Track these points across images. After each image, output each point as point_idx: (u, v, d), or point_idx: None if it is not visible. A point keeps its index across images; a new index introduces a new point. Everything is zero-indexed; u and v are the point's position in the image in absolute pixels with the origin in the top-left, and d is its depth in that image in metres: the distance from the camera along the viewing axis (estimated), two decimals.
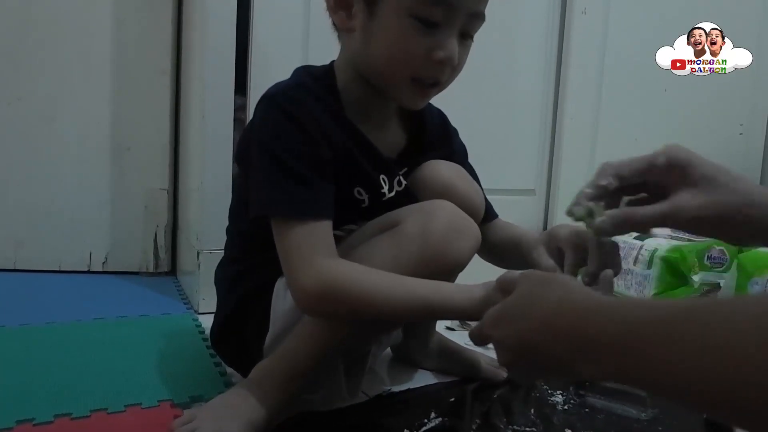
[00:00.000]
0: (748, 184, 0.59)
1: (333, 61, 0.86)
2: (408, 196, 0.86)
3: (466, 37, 0.79)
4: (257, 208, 0.76)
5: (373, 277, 0.71)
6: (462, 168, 0.92)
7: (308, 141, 0.75)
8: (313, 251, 0.72)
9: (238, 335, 0.87)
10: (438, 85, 0.80)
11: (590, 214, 0.63)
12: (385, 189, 0.84)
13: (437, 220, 0.75)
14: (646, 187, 0.64)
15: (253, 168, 0.77)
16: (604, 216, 0.62)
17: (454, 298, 0.69)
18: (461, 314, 0.70)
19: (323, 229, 0.74)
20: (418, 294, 0.70)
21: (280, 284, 0.83)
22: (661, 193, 0.62)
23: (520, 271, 0.61)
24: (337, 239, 0.76)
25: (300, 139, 0.75)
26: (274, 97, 0.79)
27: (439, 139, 0.94)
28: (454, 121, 0.99)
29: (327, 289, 0.70)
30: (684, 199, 0.59)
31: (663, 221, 0.60)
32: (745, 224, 0.58)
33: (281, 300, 0.82)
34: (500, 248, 0.94)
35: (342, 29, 0.82)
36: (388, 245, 0.76)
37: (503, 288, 0.62)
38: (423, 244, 0.74)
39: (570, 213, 0.65)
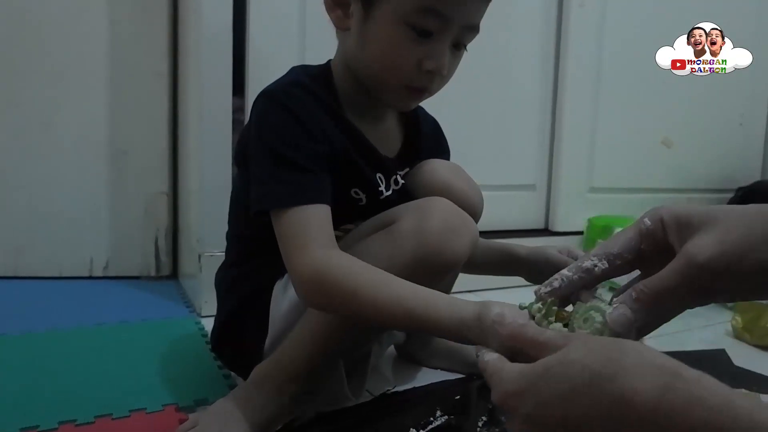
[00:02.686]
0: (747, 207, 0.48)
1: (330, 60, 0.86)
2: (406, 195, 0.85)
3: (459, 47, 0.79)
4: (257, 203, 0.76)
5: (367, 274, 0.68)
6: (460, 167, 0.91)
7: (305, 134, 0.75)
8: (309, 239, 0.71)
9: (237, 338, 0.87)
10: (427, 92, 0.81)
11: (546, 315, 0.51)
12: (383, 188, 0.84)
13: (432, 217, 0.74)
14: (638, 266, 0.54)
15: (251, 164, 0.77)
16: (613, 306, 0.49)
17: (440, 315, 0.61)
18: (444, 334, 0.62)
19: (320, 215, 0.73)
20: (404, 302, 0.64)
21: (279, 286, 0.83)
22: (659, 264, 0.50)
23: (559, 332, 0.46)
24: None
25: (296, 132, 0.75)
26: (270, 93, 0.79)
27: (432, 147, 0.94)
28: (452, 117, 0.99)
29: (319, 279, 0.69)
30: (692, 246, 0.47)
31: (682, 282, 0.47)
32: None
33: (280, 302, 0.82)
34: (486, 262, 0.96)
35: (338, 27, 0.82)
36: (382, 243, 0.75)
37: (531, 348, 0.47)
38: (418, 243, 0.73)
39: (531, 309, 0.53)
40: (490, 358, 0.48)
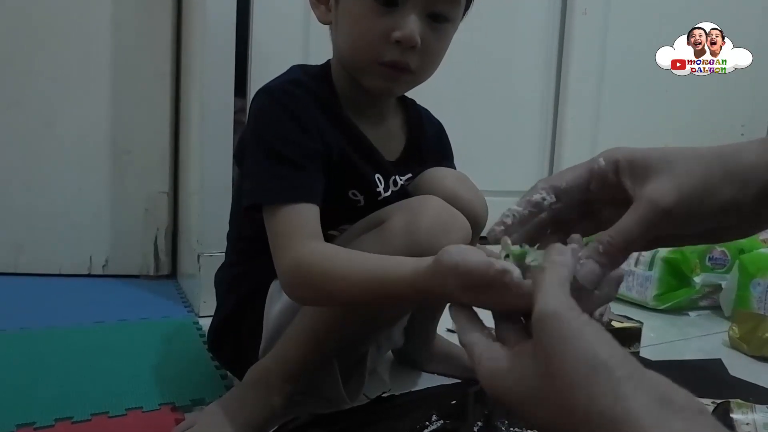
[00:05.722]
0: (702, 151, 0.47)
1: (329, 59, 0.86)
2: (405, 197, 0.85)
3: (438, 19, 0.76)
4: (248, 197, 0.76)
5: (340, 256, 0.67)
6: (467, 177, 0.90)
7: (300, 131, 0.75)
8: (292, 235, 0.70)
9: (234, 338, 0.87)
10: (408, 71, 0.77)
11: (522, 257, 0.46)
12: (381, 188, 0.84)
13: (423, 216, 0.73)
14: (588, 208, 0.50)
15: (246, 158, 0.78)
16: (581, 262, 0.45)
17: (398, 270, 0.58)
18: (406, 289, 0.58)
19: (306, 213, 0.72)
20: (368, 270, 0.62)
21: (274, 287, 0.83)
22: (613, 209, 0.47)
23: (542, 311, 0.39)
24: (331, 239, 0.76)
25: (292, 128, 0.75)
26: (268, 89, 0.79)
27: (435, 150, 0.94)
28: (454, 122, 0.98)
29: (297, 269, 0.68)
30: (653, 191, 0.45)
31: (646, 229, 0.45)
32: (740, 184, 0.45)
33: (274, 302, 0.82)
34: None
35: (323, 23, 0.82)
36: (373, 243, 0.74)
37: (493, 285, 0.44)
38: (408, 242, 0.71)
39: (501, 244, 0.48)
40: (469, 341, 0.45)
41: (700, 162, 0.45)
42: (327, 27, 0.84)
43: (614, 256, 0.46)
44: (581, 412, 0.35)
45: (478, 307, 0.48)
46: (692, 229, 0.46)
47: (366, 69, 0.77)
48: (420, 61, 0.76)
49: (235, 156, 0.89)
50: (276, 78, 0.82)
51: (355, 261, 0.65)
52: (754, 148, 0.46)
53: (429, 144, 0.92)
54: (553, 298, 0.39)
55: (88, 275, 1.57)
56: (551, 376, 0.37)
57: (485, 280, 0.45)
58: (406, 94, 0.92)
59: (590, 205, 0.51)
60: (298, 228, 0.71)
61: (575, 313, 0.38)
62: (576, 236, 0.48)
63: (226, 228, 0.93)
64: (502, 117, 1.66)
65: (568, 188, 0.50)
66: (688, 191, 0.44)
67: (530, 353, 0.39)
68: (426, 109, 0.95)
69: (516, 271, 0.44)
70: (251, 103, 0.81)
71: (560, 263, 0.43)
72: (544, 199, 0.49)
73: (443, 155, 0.96)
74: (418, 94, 0.93)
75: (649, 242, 0.48)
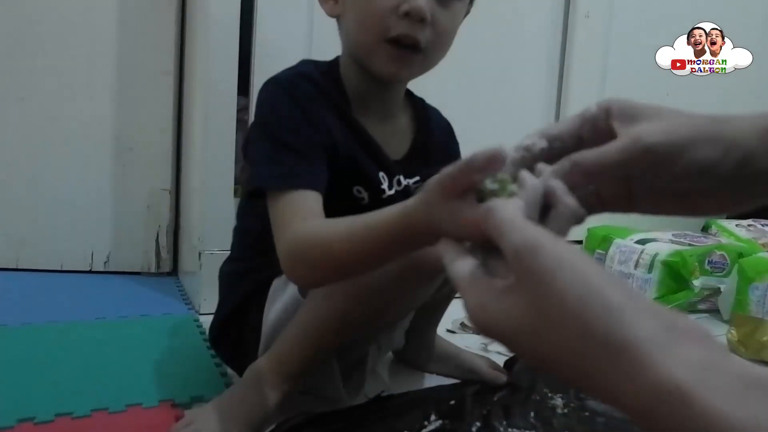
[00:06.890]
0: (694, 113, 0.48)
1: (338, 56, 0.87)
2: (408, 196, 0.85)
3: None
4: (251, 182, 0.77)
5: (330, 222, 0.66)
6: None
7: (305, 121, 0.76)
8: (291, 218, 0.70)
9: (237, 334, 0.87)
10: (416, 49, 0.77)
11: (503, 188, 0.45)
12: (385, 186, 0.84)
13: None
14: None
15: (250, 145, 0.79)
16: (542, 175, 0.45)
17: (387, 213, 0.57)
18: (397, 229, 0.56)
19: (307, 198, 0.72)
20: (360, 225, 0.60)
21: (275, 285, 0.83)
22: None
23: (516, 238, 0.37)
24: None
25: (297, 118, 0.76)
26: (277, 80, 0.80)
27: (443, 151, 0.93)
28: (456, 124, 0.99)
29: (295, 247, 0.67)
30: (640, 129, 0.46)
31: (622, 159, 0.45)
32: (725, 146, 0.45)
33: (275, 301, 0.82)
34: None
35: (331, 16, 0.83)
36: None
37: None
38: None
39: (480, 190, 0.46)
40: (456, 273, 0.43)
41: (690, 118, 0.47)
42: (331, 26, 0.84)
43: (579, 174, 0.46)
44: (573, 344, 0.33)
45: (465, 238, 0.46)
46: (668, 183, 0.46)
47: (375, 49, 0.77)
48: (430, 38, 0.76)
49: (242, 148, 0.89)
50: (286, 69, 0.82)
51: (342, 223, 0.63)
52: (745, 119, 0.46)
53: (436, 144, 0.92)
54: (521, 229, 0.37)
55: (90, 271, 1.57)
56: (540, 312, 0.35)
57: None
58: (414, 94, 0.92)
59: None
60: (298, 211, 0.71)
61: (552, 241, 0.36)
62: (542, 165, 0.47)
63: (228, 226, 0.94)
64: (504, 119, 1.65)
65: (558, 134, 0.50)
66: (673, 138, 0.45)
67: (515, 291, 0.37)
68: (435, 109, 0.95)
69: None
70: (259, 93, 0.81)
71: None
72: (534, 143, 0.49)
73: (451, 156, 0.96)
74: (421, 95, 0.93)
75: (619, 183, 0.48)
